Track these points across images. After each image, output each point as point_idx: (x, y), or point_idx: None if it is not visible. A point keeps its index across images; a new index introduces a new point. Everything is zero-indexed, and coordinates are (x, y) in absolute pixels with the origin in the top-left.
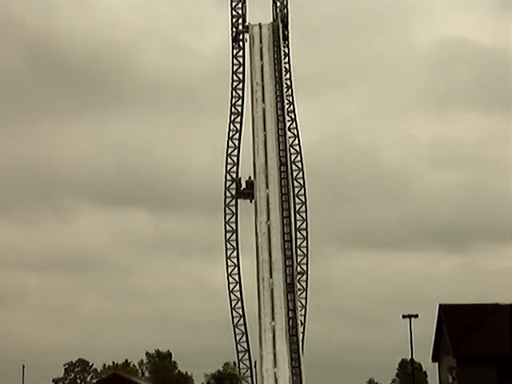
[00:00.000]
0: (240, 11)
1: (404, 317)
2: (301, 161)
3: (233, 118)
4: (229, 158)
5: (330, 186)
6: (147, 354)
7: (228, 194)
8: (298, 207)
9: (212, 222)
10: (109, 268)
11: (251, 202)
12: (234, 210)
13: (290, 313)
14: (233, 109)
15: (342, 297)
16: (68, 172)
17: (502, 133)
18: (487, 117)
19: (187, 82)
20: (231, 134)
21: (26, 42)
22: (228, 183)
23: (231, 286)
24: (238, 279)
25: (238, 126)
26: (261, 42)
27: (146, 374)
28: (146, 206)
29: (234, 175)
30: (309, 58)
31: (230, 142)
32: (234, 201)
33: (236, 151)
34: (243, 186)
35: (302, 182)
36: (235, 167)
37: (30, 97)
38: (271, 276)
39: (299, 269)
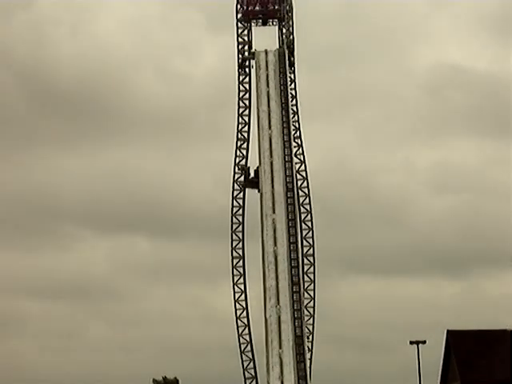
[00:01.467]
0: (246, 38)
1: (412, 343)
2: (307, 187)
3: (239, 144)
4: (235, 184)
5: (331, 211)
6: (154, 380)
7: (235, 220)
8: (304, 233)
9: (213, 248)
10: (110, 295)
11: (259, 191)
12: (241, 236)
13: (297, 339)
14: (239, 135)
15: (347, 323)
16: (67, 200)
17: (500, 158)
18: (484, 142)
19: (182, 108)
20: (238, 160)
21: (15, 68)
22: (235, 209)
23: (238, 313)
24: (245, 305)
25: (244, 152)
26: (267, 68)
27: None
28: (146, 233)
29: (241, 202)
30: (310, 84)
31: (237, 168)
32: (240, 227)
33: (242, 177)
34: (251, 175)
35: (308, 208)
36: (241, 193)
37: (24, 125)
38: (278, 302)
39: (306, 295)
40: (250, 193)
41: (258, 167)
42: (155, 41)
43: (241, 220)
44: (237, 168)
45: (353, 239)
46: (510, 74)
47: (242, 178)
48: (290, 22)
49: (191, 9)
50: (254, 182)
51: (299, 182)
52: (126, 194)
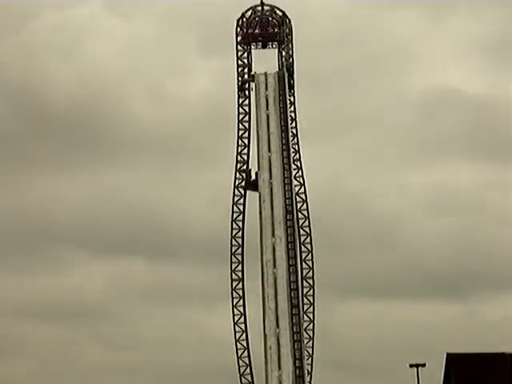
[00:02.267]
0: (246, 60)
1: (411, 366)
2: (307, 209)
3: (239, 166)
4: (235, 207)
5: (327, 234)
6: None
7: (234, 242)
8: (304, 255)
9: (210, 270)
10: (107, 318)
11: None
12: (240, 259)
13: (297, 362)
14: (239, 157)
15: (345, 346)
16: (63, 222)
17: (494, 181)
18: (479, 165)
19: (176, 131)
20: (237, 183)
21: (7, 92)
22: (234, 231)
23: (237, 335)
24: (244, 328)
25: (243, 174)
26: (266, 90)
27: None
28: (143, 256)
29: (241, 224)
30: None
31: (236, 191)
32: (240, 249)
33: (242, 199)
34: (253, 177)
35: (308, 231)
36: (241, 215)
37: (18, 148)
38: (278, 325)
39: (305, 317)
40: (250, 215)
41: (256, 172)
42: (148, 63)
43: (240, 242)
44: (236, 190)
45: (349, 262)
46: (504, 97)
47: (242, 200)
48: (290, 45)
49: (184, 32)
50: (254, 185)
51: (299, 205)
52: (122, 217)
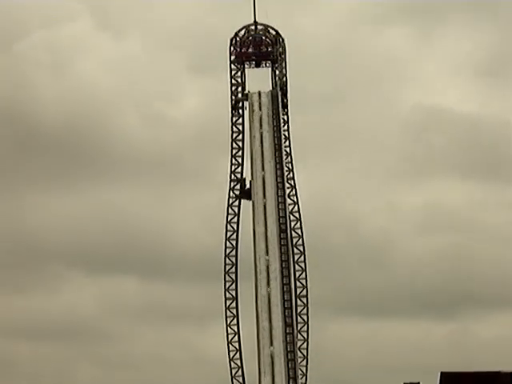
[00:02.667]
0: (239, 79)
1: None
2: (300, 228)
3: (232, 185)
4: (229, 225)
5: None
6: None
7: (228, 261)
8: (297, 274)
9: (203, 289)
10: (99, 337)
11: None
12: (234, 277)
13: (291, 381)
14: (232, 176)
15: (339, 365)
16: (55, 241)
17: (485, 200)
18: (469, 185)
19: (166, 150)
20: (231, 202)
21: None
22: (228, 250)
23: (231, 354)
24: (238, 347)
25: (237, 192)
26: (260, 109)
27: None
28: (135, 275)
29: (234, 243)
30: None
31: (230, 210)
32: (233, 268)
33: (236, 218)
34: (247, 186)
35: (301, 249)
36: (235, 234)
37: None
38: (272, 343)
39: (299, 336)
40: (244, 234)
41: (250, 181)
42: (138, 82)
43: (234, 261)
44: (230, 209)
45: (340, 281)
46: (495, 116)
47: (235, 219)
48: (283, 64)
49: (174, 50)
50: (248, 193)
51: (292, 223)
52: (115, 236)
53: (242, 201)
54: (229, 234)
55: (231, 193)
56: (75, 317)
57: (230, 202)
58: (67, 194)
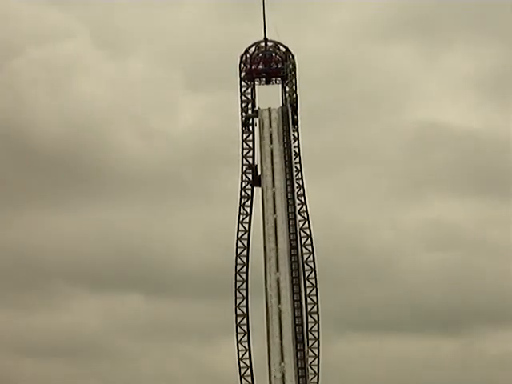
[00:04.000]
0: (249, 96)
1: None
2: (311, 244)
3: (243, 201)
4: (239, 242)
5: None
6: None
7: (239, 277)
8: (308, 291)
9: (208, 306)
10: (104, 354)
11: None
12: (245, 294)
13: None
14: (243, 192)
15: (347, 382)
16: (58, 258)
17: (487, 216)
18: (472, 200)
19: (166, 167)
20: (241, 218)
21: None
22: (238, 267)
23: (242, 371)
24: (249, 364)
25: (247, 209)
26: (270, 126)
27: None
28: (139, 292)
29: (245, 259)
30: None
31: (241, 226)
32: (244, 285)
33: (246, 235)
34: (259, 173)
35: (312, 266)
36: (245, 251)
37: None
38: (283, 360)
39: (310, 353)
40: (254, 251)
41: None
42: (135, 99)
43: (244, 277)
44: (241, 226)
45: (346, 296)
46: (498, 133)
47: (246, 236)
48: (293, 81)
49: (170, 67)
50: (259, 181)
51: (303, 240)
52: (116, 253)
53: (253, 217)
54: (239, 250)
55: (242, 209)
56: (79, 334)
57: (241, 219)
58: (66, 211)
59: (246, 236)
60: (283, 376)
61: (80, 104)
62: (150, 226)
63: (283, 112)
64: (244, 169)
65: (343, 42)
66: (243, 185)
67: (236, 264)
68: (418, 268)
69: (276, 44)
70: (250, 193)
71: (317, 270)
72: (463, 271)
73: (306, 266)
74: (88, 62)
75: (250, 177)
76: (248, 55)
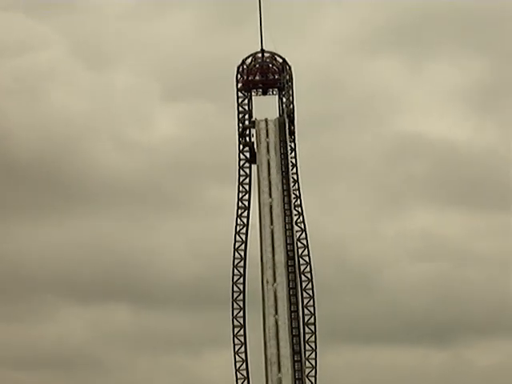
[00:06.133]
0: (246, 107)
1: None
2: (308, 255)
3: (240, 212)
4: (236, 253)
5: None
6: None
7: (236, 288)
8: (305, 301)
9: (195, 317)
10: (92, 365)
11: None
12: (242, 305)
13: None
14: (240, 203)
15: None
16: (41, 271)
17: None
18: (457, 212)
19: (147, 178)
20: (238, 229)
21: None
22: (235, 277)
23: (239, 382)
24: (246, 375)
25: (244, 220)
26: (267, 136)
27: None
28: (127, 303)
29: (242, 270)
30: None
31: (238, 237)
32: (241, 295)
33: (243, 245)
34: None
35: (309, 276)
36: (242, 262)
37: None
38: (280, 371)
39: (307, 364)
40: (251, 262)
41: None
42: (111, 110)
43: (241, 288)
44: (238, 237)
45: (334, 308)
46: (485, 145)
47: (243, 246)
48: (290, 92)
49: (147, 78)
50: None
51: (300, 250)
52: (101, 265)
53: (250, 227)
54: (236, 261)
55: (239, 220)
56: (65, 346)
57: (238, 230)
58: (50, 224)
59: (242, 247)
60: None
61: (56, 115)
62: (135, 237)
63: (280, 123)
64: (241, 179)
65: (335, 53)
66: (240, 195)
67: (233, 275)
68: (404, 279)
69: (273, 55)
70: (246, 203)
71: (314, 281)
72: (449, 282)
73: (303, 277)
74: (64, 73)
75: (247, 187)
76: (245, 66)
